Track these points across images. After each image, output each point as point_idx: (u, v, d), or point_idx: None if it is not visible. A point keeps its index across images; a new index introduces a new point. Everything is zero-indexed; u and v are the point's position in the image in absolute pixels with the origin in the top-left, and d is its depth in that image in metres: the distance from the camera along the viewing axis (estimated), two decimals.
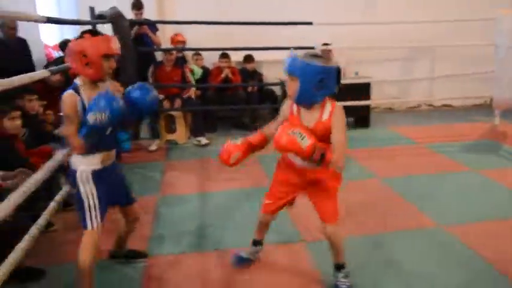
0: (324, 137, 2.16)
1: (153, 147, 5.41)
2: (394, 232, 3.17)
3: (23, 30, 4.46)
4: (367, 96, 6.24)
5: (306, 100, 2.17)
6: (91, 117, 2.08)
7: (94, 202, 2.28)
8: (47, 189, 3.37)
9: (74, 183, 2.30)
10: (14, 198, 1.93)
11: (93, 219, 2.28)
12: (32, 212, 3.06)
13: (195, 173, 4.57)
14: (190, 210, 3.65)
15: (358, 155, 4.93)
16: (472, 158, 4.81)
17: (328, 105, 2.20)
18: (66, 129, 2.20)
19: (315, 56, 2.13)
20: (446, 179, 4.20)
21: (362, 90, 6.21)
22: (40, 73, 2.82)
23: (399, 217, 3.41)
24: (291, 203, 2.53)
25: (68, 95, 2.20)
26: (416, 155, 5.01)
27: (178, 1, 6.64)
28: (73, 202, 3.54)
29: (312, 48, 5.78)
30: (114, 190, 2.43)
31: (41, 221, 2.41)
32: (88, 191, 2.28)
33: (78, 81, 2.26)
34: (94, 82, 2.26)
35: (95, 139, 2.21)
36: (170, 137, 5.72)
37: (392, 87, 7.38)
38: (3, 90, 2.07)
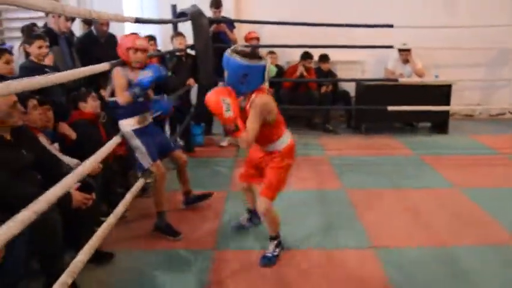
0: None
1: (224, 143, 5.50)
2: (469, 246, 2.98)
3: (111, 26, 4.73)
4: (446, 102, 5.94)
5: (232, 88, 2.49)
6: (139, 77, 2.93)
7: (142, 149, 3.08)
8: (123, 175, 3.56)
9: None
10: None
11: (147, 159, 3.08)
12: (107, 197, 3.25)
13: None
14: None
15: (435, 162, 4.71)
16: None
17: (253, 96, 2.51)
18: (119, 92, 2.97)
19: (244, 53, 2.49)
20: None
21: (441, 94, 5.92)
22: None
23: (476, 230, 3.20)
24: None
25: (116, 68, 3.00)
26: (498, 166, 4.69)
27: (255, 0, 6.71)
28: (147, 188, 3.75)
29: (391, 47, 5.62)
30: (156, 142, 3.18)
31: (118, 210, 2.53)
32: (134, 144, 3.09)
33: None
34: (130, 66, 3.03)
35: (139, 93, 2.96)
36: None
37: (473, 93, 6.97)
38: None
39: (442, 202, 3.71)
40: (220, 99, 2.40)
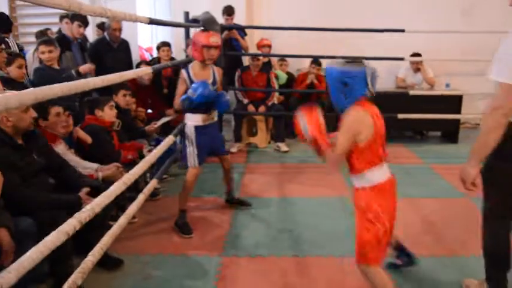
0: None
1: (234, 149, 5.52)
2: (479, 256, 2.95)
3: (123, 32, 4.78)
4: (457, 110, 5.90)
5: (337, 105, 2.15)
6: (189, 92, 3.11)
7: (194, 148, 3.30)
8: (134, 181, 3.57)
9: (183, 133, 3.39)
10: (115, 189, 2.08)
11: (193, 160, 3.31)
12: (118, 201, 3.27)
13: (273, 177, 4.60)
14: (268, 213, 3.67)
15: (445, 172, 4.67)
16: None
17: (350, 108, 2.09)
18: (178, 91, 3.27)
19: (346, 61, 2.10)
20: None
21: (452, 103, 5.88)
22: (145, 69, 3.03)
23: None
24: None
25: (181, 71, 3.31)
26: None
27: (267, 7, 6.74)
28: (157, 193, 3.78)
29: (402, 59, 5.62)
30: (212, 142, 3.39)
31: (130, 211, 2.55)
32: (191, 140, 3.31)
33: (190, 64, 3.34)
34: (201, 64, 3.24)
35: (187, 105, 3.15)
36: (251, 140, 5.81)
37: (485, 102, 6.92)
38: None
39: (453, 211, 3.69)
40: (298, 120, 2.17)
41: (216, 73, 3.37)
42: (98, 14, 2.06)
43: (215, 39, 3.19)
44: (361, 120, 2.04)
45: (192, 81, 3.22)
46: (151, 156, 2.69)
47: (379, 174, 2.11)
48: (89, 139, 3.20)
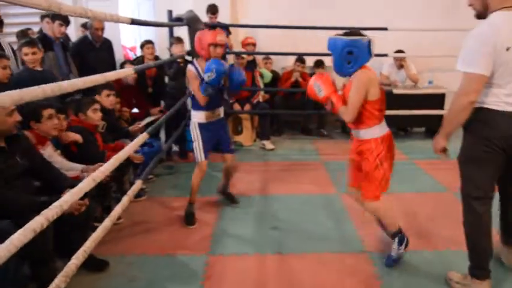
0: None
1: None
2: (464, 251, 2.99)
3: (106, 32, 4.74)
4: (440, 106, 5.97)
5: (339, 72, 2.58)
6: (205, 76, 3.13)
7: (199, 143, 3.41)
8: (118, 181, 3.56)
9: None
10: (84, 186, 2.04)
11: (199, 155, 3.43)
12: (102, 202, 3.25)
13: (259, 175, 4.61)
14: (253, 211, 3.68)
15: (429, 167, 4.73)
16: None
17: (359, 71, 2.51)
18: (195, 91, 3.30)
19: (349, 33, 2.52)
20: None
21: (436, 99, 5.96)
22: (127, 70, 2.98)
23: None
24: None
25: (189, 69, 3.35)
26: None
27: (251, 6, 6.73)
28: (142, 194, 3.77)
29: (385, 55, 5.67)
30: (216, 139, 3.50)
31: (114, 213, 2.53)
32: (195, 135, 3.42)
33: (195, 60, 3.38)
34: (207, 61, 3.23)
35: (211, 94, 3.20)
36: (236, 138, 5.81)
37: None
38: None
39: (437, 206, 3.74)
40: (312, 84, 2.65)
41: None
42: (78, 14, 2.04)
43: (221, 37, 3.25)
44: (371, 80, 2.49)
45: (200, 75, 3.29)
46: (123, 153, 2.64)
47: (383, 128, 2.61)
48: (79, 138, 3.16)
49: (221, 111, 3.51)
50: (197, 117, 3.42)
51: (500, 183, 2.51)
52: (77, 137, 3.15)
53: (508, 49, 2.13)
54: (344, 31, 2.55)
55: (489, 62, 2.16)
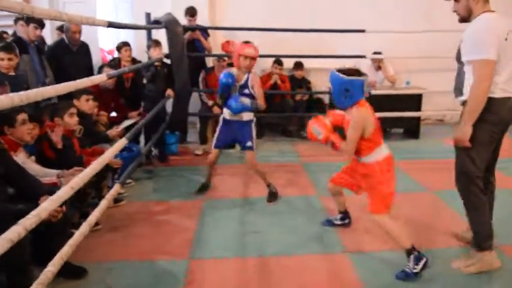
0: None
1: (199, 151, 5.48)
2: (442, 249, 3.04)
3: (83, 35, 4.67)
4: (418, 107, 6.07)
5: (338, 104, 2.79)
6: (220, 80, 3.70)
7: (216, 134, 3.98)
8: (96, 188, 3.50)
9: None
10: (62, 194, 2.00)
11: (213, 142, 4.00)
12: (80, 207, 3.19)
13: (239, 177, 4.60)
14: (234, 215, 3.67)
15: (407, 167, 4.79)
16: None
17: (354, 108, 2.71)
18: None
19: (349, 70, 2.72)
20: (501, 195, 3.97)
21: (413, 100, 6.05)
22: (100, 77, 2.93)
23: (450, 233, 3.26)
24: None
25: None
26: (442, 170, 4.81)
27: (230, 8, 6.73)
28: (121, 199, 3.73)
29: (363, 57, 5.74)
30: (234, 135, 3.95)
31: (92, 218, 2.48)
32: (218, 127, 3.98)
33: (234, 68, 3.81)
34: (238, 70, 3.75)
35: (223, 96, 3.76)
36: None
37: (444, 99, 7.10)
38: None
39: (416, 206, 3.78)
40: (311, 129, 2.94)
41: (249, 79, 3.74)
42: (53, 18, 1.99)
43: (250, 50, 3.64)
44: (366, 118, 2.69)
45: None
46: (102, 160, 2.59)
47: (384, 150, 2.78)
48: (59, 141, 3.11)
49: (243, 115, 3.83)
50: (224, 113, 3.92)
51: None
52: (58, 140, 3.11)
53: (506, 39, 2.47)
54: (346, 67, 2.76)
55: (495, 48, 2.45)
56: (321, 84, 6.55)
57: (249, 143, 3.86)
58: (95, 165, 2.44)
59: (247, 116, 3.84)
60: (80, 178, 2.19)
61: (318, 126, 2.92)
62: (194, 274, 2.76)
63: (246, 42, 3.73)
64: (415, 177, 4.50)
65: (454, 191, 3.51)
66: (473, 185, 2.67)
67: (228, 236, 3.28)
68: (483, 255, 2.71)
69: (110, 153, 2.75)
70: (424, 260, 2.66)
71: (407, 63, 6.58)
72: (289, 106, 6.16)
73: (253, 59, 3.66)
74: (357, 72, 2.75)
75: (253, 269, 2.82)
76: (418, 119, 6.20)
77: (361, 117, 2.69)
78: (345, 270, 2.80)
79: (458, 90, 4.03)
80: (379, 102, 5.79)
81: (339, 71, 2.72)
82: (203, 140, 5.66)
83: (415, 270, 2.65)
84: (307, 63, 6.45)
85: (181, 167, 4.93)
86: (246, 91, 3.75)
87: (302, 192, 4.13)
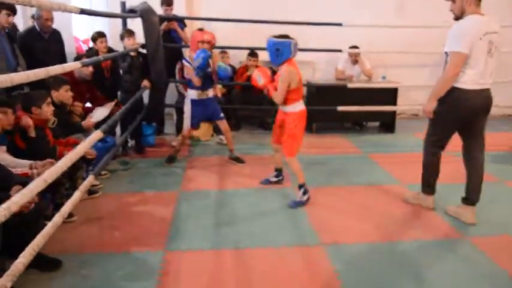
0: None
1: (176, 143, 5.43)
2: (415, 241, 3.10)
3: (56, 23, 4.54)
4: (393, 102, 6.15)
5: (272, 63, 3.58)
6: (195, 62, 4.23)
7: (188, 115, 4.51)
8: (70, 178, 3.44)
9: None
10: (35, 187, 1.95)
11: (185, 124, 4.55)
12: (53, 199, 3.13)
13: (216, 169, 4.59)
14: (210, 206, 3.66)
15: (382, 160, 4.87)
16: (501, 169, 4.68)
17: (284, 65, 3.49)
18: (191, 75, 4.40)
19: (281, 36, 3.49)
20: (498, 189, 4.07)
21: (388, 95, 6.13)
22: (73, 64, 2.84)
23: (421, 225, 3.34)
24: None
25: (184, 63, 4.55)
26: (443, 163, 4.89)
27: None
28: (96, 191, 3.67)
29: (340, 51, 5.78)
30: (206, 112, 4.55)
31: (65, 209, 2.43)
32: (186, 109, 4.53)
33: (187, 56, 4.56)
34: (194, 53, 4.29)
35: (202, 76, 4.32)
36: (193, 133, 5.74)
37: (419, 93, 7.21)
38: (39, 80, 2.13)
39: (389, 198, 3.85)
40: (255, 76, 3.64)
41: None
42: (21, 3, 1.92)
43: (208, 36, 4.29)
44: (292, 74, 3.47)
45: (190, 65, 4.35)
46: (77, 152, 2.54)
47: (301, 105, 3.63)
48: (30, 125, 3.05)
49: (210, 92, 4.51)
50: (191, 95, 4.46)
51: (464, 141, 3.46)
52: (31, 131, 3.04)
53: (480, 38, 3.00)
54: (278, 34, 3.49)
55: (468, 44, 3.00)
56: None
57: (221, 114, 4.60)
58: (69, 157, 2.39)
59: (211, 92, 4.54)
60: (53, 171, 2.14)
61: (261, 74, 3.62)
62: (169, 265, 2.75)
63: (201, 30, 4.40)
64: (389, 170, 4.57)
65: None
66: (429, 147, 3.50)
67: (204, 227, 3.27)
68: (424, 196, 3.61)
69: (84, 146, 2.69)
70: (308, 193, 3.64)
71: (383, 58, 6.66)
72: (266, 99, 6.13)
73: (210, 43, 4.29)
74: (287, 37, 3.49)
75: (229, 261, 2.82)
76: (393, 113, 6.28)
77: (288, 72, 3.45)
78: (321, 262, 2.82)
79: None
80: (356, 96, 5.89)
81: (273, 36, 3.47)
82: (180, 131, 5.60)
83: (303, 199, 3.62)
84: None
85: (158, 159, 4.88)
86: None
87: (278, 184, 4.15)
